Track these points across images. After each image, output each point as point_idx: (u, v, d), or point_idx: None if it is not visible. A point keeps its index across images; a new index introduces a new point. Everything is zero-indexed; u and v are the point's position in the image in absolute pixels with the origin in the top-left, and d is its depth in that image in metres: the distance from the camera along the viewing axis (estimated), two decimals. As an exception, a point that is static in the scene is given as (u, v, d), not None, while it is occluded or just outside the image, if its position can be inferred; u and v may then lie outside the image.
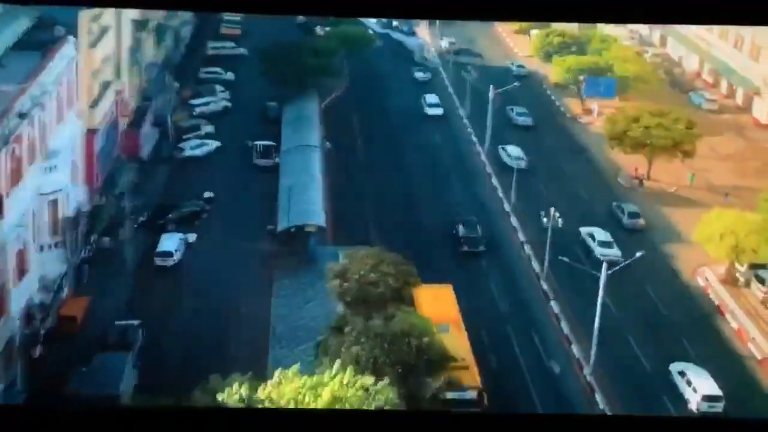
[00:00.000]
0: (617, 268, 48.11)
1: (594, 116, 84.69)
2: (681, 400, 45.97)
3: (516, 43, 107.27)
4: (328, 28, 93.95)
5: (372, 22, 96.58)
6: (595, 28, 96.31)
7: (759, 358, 50.71)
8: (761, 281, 56.61)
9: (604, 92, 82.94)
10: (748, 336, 52.54)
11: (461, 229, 58.59)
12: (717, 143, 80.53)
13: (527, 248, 59.05)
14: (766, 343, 51.59)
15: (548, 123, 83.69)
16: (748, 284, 57.65)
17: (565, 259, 51.02)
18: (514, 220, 63.00)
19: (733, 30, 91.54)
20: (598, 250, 57.35)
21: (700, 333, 52.67)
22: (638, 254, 49.67)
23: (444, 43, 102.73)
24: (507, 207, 64.68)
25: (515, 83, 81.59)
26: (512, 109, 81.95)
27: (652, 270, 58.56)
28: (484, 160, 73.03)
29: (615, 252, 57.08)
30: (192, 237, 55.21)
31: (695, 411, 45.24)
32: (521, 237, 60.70)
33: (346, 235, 55.46)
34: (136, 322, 44.50)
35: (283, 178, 61.37)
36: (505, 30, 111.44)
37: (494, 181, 69.38)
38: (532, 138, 79.03)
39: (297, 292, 49.79)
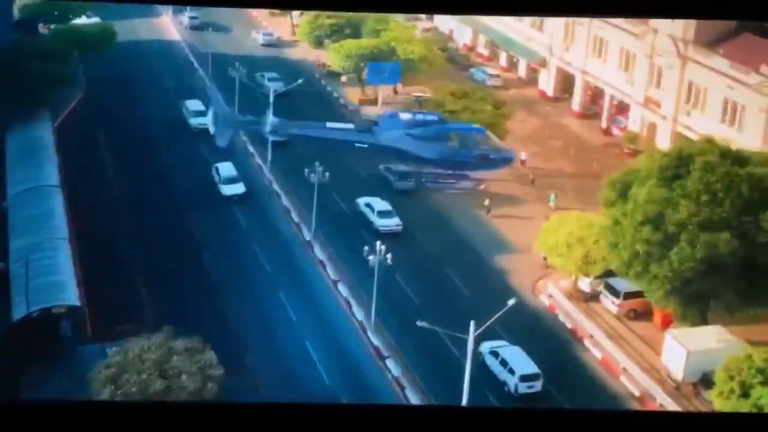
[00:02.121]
0: (484, 327, 37.81)
1: (379, 106, 74.67)
2: (497, 383, 41.93)
3: (275, 26, 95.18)
4: (53, 26, 77.26)
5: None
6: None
7: (637, 394, 42.69)
8: (614, 293, 48.80)
9: (388, 78, 73.08)
10: (618, 367, 44.36)
11: None
12: (511, 123, 72.92)
13: (343, 290, 47.74)
14: (639, 373, 43.61)
15: (328, 118, 72.34)
16: (596, 297, 49.82)
17: (425, 323, 40.04)
18: (318, 251, 51.46)
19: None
20: (378, 222, 54.17)
21: (563, 371, 43.83)
22: (510, 302, 39.74)
23: (184, 19, 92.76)
24: (307, 235, 52.94)
25: (297, 85, 68.01)
26: (263, 75, 76.27)
27: (487, 292, 49.35)
28: (270, 177, 60.77)
29: (395, 221, 54.25)
30: None
31: (513, 393, 41.41)
32: (331, 275, 49.25)
33: (112, 318, 41.27)
34: None
35: (13, 238, 45.58)
36: (260, 12, 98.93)
37: (285, 201, 57.55)
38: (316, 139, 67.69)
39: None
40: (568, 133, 74.01)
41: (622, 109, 74.06)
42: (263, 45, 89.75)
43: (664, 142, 67.70)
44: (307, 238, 52.36)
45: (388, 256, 42.33)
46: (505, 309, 38.68)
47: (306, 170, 51.71)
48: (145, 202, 56.22)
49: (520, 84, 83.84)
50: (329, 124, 58.60)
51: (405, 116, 58.75)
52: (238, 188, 57.70)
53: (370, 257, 42.63)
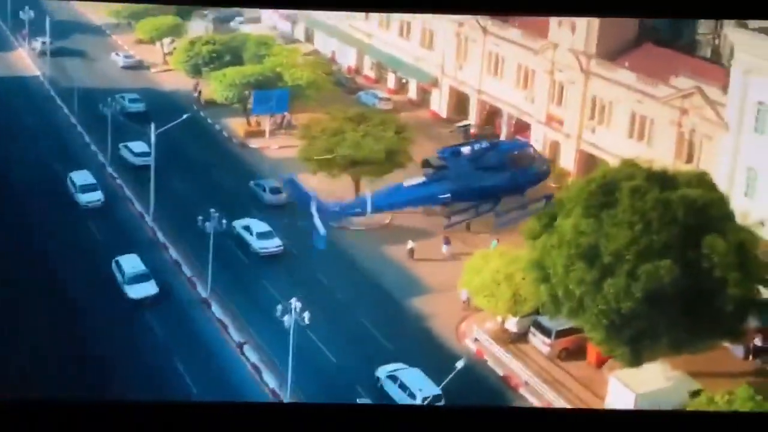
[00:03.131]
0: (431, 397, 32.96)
1: (267, 137, 69.23)
2: None
3: (144, 55, 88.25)
4: None
5: None
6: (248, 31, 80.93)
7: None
8: (545, 332, 44.92)
9: (276, 107, 67.76)
10: (561, 416, 40.29)
11: None
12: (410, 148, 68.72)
13: (250, 354, 42.01)
14: (584, 422, 39.63)
15: (214, 155, 66.47)
16: (523, 336, 45.86)
17: (366, 400, 34.90)
18: (217, 310, 45.52)
19: (396, 16, 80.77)
20: (257, 244, 51.38)
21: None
22: (459, 365, 35.14)
23: (37, 45, 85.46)
24: (203, 294, 46.90)
25: (176, 121, 60.49)
26: (123, 97, 71.63)
27: (409, 342, 44.78)
28: (153, 225, 54.34)
29: (275, 243, 51.67)
30: None
31: None
32: (235, 337, 43.38)
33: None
34: None
35: None
36: (126, 41, 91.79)
37: (173, 253, 51.31)
38: (203, 177, 61.84)
39: None
40: (467, 156, 70.23)
41: (521, 128, 70.93)
42: (124, 68, 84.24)
43: (568, 161, 64.97)
44: (203, 295, 46.35)
45: (306, 314, 36.97)
46: (453, 373, 34.10)
47: (200, 218, 45.61)
48: (7, 261, 48.95)
49: (412, 106, 79.79)
50: (406, 183, 48.07)
51: (466, 150, 49.03)
52: (149, 288, 45.86)
53: (285, 318, 37.15)
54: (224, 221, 45.18)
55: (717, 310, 39.21)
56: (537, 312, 44.43)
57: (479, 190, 48.82)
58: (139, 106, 71.46)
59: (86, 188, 56.95)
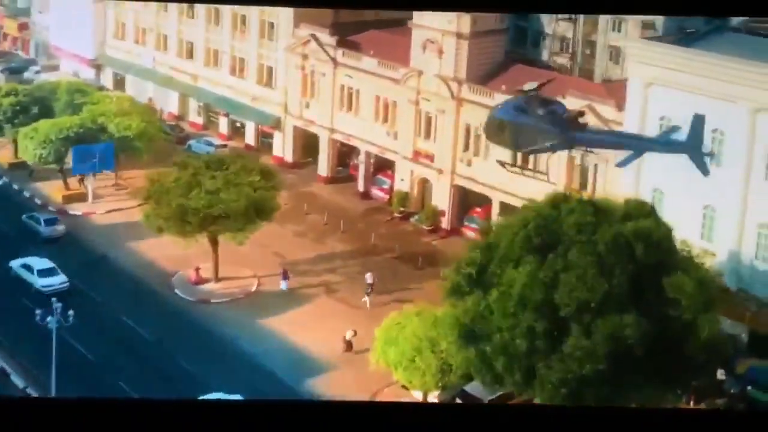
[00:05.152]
0: None
1: (90, 201, 58.43)
2: None
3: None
4: None
5: None
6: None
7: None
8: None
9: (99, 164, 57.11)
10: None
11: None
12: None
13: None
14: None
15: (26, 228, 54.84)
16: (448, 409, 38.17)
17: None
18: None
19: (227, 54, 72.28)
20: (39, 282, 46.82)
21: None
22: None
23: None
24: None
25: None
26: None
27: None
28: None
29: (59, 280, 47.07)
30: None
31: None
32: None
33: None
34: None
35: None
36: None
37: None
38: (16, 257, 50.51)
39: None
40: (324, 204, 62.17)
41: (381, 167, 63.88)
42: None
43: (442, 199, 58.47)
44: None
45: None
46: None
47: (38, 312, 34.93)
48: None
49: (251, 152, 70.99)
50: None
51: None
52: None
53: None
54: (71, 313, 34.73)
55: (687, 359, 33.39)
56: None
57: None
58: None
59: None
